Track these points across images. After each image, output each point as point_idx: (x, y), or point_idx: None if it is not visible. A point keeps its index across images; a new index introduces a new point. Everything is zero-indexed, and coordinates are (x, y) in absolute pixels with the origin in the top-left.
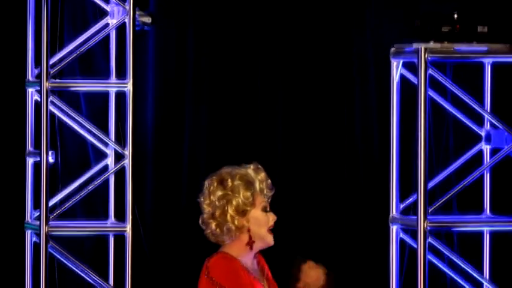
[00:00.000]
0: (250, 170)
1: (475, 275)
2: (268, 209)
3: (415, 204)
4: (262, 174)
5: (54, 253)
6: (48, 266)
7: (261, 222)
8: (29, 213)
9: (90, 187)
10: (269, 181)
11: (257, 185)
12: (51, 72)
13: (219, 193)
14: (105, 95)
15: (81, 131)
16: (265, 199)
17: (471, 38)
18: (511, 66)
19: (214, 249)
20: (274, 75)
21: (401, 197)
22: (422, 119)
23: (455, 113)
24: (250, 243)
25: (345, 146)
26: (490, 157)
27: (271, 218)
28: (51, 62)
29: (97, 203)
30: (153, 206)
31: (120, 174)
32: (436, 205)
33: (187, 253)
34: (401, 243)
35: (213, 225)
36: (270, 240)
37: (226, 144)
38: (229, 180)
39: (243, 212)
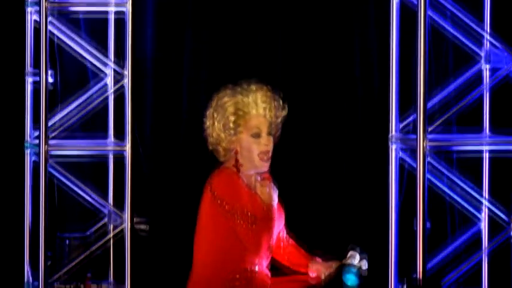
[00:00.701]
0: (250, 93)
1: (474, 194)
2: (262, 135)
3: (414, 123)
4: (264, 96)
5: (53, 172)
6: (48, 186)
7: (250, 148)
8: (29, 133)
9: (90, 107)
10: (275, 103)
11: (254, 109)
12: None
13: (210, 115)
14: (104, 14)
15: (81, 51)
16: (262, 123)
17: None
18: None
19: (213, 169)
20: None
21: (401, 117)
22: (422, 39)
23: (455, 33)
24: (236, 166)
25: (344, 65)
26: (490, 77)
27: (263, 143)
28: None
29: (96, 123)
30: (153, 126)
31: (119, 94)
32: (436, 124)
33: (186, 172)
34: (401, 163)
35: (208, 143)
36: (259, 165)
37: (227, 64)
38: (220, 103)
39: (227, 136)
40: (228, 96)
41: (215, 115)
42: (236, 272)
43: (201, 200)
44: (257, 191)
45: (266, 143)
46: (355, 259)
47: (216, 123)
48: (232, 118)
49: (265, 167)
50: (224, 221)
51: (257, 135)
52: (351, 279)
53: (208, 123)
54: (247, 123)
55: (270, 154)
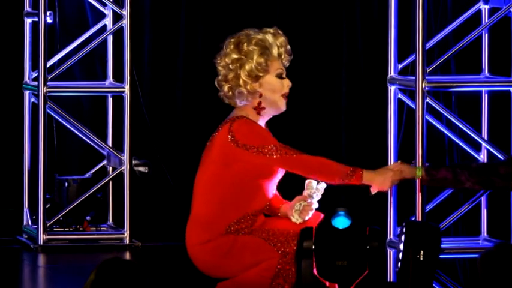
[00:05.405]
0: (269, 34)
1: (473, 135)
2: (283, 76)
3: (413, 64)
4: (282, 39)
5: (52, 114)
6: (47, 128)
7: (275, 88)
8: (27, 74)
9: (89, 47)
10: (288, 47)
11: (275, 50)
12: None
13: (234, 56)
14: None
15: None
16: (282, 65)
17: None
18: None
19: (211, 113)
20: None
21: (400, 58)
22: None
23: None
24: (258, 109)
25: (344, 5)
26: (489, 18)
27: (286, 84)
28: None
29: (95, 65)
30: (151, 67)
31: (118, 34)
32: (435, 65)
33: (185, 115)
34: (400, 104)
35: (226, 88)
36: (282, 105)
37: (225, 2)
38: (245, 44)
39: (256, 77)
40: (254, 36)
41: (242, 57)
42: (241, 216)
43: (213, 147)
44: None
45: (288, 84)
46: (312, 186)
47: (246, 65)
48: (263, 57)
49: (284, 107)
50: (238, 169)
51: (281, 76)
52: (340, 222)
53: (232, 66)
54: (273, 63)
55: None
